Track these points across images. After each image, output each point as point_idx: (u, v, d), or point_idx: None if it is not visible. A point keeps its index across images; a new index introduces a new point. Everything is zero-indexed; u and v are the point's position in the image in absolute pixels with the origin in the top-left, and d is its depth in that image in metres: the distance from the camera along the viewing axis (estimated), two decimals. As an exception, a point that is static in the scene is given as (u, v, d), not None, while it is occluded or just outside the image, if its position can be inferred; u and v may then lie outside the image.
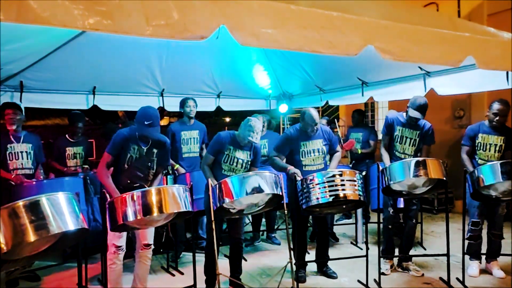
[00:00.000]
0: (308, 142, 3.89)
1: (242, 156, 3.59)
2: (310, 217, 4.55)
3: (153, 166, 3.33)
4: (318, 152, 3.90)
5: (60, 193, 2.41)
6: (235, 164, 3.57)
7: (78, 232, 2.51)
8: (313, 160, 3.90)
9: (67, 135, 4.71)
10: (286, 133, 3.96)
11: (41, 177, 4.13)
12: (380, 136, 5.38)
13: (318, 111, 8.17)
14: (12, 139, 3.97)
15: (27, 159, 4.02)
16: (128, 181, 3.22)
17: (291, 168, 3.70)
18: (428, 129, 4.04)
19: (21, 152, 4.00)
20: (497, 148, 3.91)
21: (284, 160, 3.93)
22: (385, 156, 4.07)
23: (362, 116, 6.06)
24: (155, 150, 3.32)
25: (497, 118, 3.83)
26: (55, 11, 1.73)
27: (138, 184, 3.25)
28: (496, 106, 3.84)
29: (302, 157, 3.88)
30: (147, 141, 3.27)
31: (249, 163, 3.63)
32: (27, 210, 2.22)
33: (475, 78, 4.06)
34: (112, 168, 3.27)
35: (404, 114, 4.05)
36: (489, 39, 3.05)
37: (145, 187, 3.24)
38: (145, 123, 3.10)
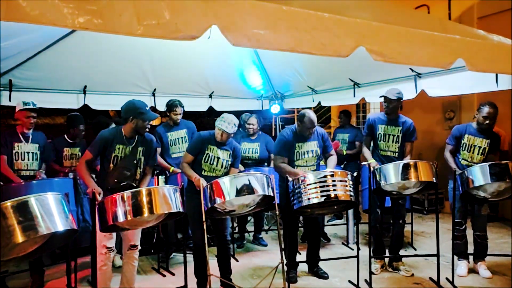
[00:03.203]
0: (303, 143, 3.90)
1: (223, 155, 3.59)
2: (301, 217, 4.55)
3: (140, 165, 3.30)
4: (312, 153, 3.92)
5: (49, 194, 2.39)
6: (215, 163, 3.56)
7: (67, 233, 2.48)
8: (306, 161, 3.91)
9: (66, 136, 4.61)
10: (283, 136, 3.93)
11: (42, 176, 3.98)
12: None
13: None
14: (21, 138, 3.85)
15: (33, 160, 3.91)
16: (116, 180, 3.18)
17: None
18: (409, 125, 4.11)
19: (28, 152, 3.88)
20: (480, 151, 3.96)
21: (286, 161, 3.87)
22: (367, 152, 4.14)
23: (349, 117, 6.20)
24: (140, 148, 3.29)
25: (487, 121, 3.87)
26: (45, 10, 1.71)
27: (125, 183, 3.21)
28: (486, 109, 3.86)
29: (296, 158, 3.89)
30: (133, 139, 3.25)
31: (229, 163, 3.63)
32: (15, 210, 2.20)
33: (465, 80, 4.11)
34: (98, 167, 3.24)
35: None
36: (479, 41, 3.08)
37: (133, 186, 3.23)
38: (147, 108, 3.18)
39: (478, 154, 3.97)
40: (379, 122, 4.12)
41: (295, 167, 3.87)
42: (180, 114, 4.70)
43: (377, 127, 4.12)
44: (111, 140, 3.18)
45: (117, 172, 3.20)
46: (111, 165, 3.18)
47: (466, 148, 4.01)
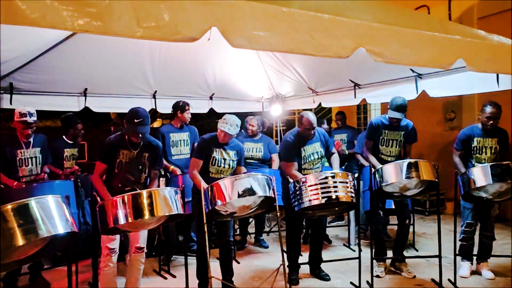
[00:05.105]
0: (307, 146, 3.90)
1: (228, 156, 3.59)
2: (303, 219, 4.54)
3: (144, 170, 3.32)
4: (317, 154, 3.93)
5: (49, 196, 2.38)
6: (222, 165, 3.56)
7: (68, 236, 2.48)
8: (312, 164, 3.91)
9: (64, 137, 4.62)
10: (287, 141, 3.90)
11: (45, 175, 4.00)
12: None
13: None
14: (22, 144, 3.84)
15: (36, 164, 3.92)
16: (120, 185, 3.22)
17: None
18: (412, 128, 4.14)
19: (31, 158, 3.88)
20: (492, 151, 3.94)
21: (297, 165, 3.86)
22: (372, 158, 4.10)
23: (344, 118, 6.27)
24: (146, 154, 3.31)
25: (491, 121, 3.84)
26: (44, 12, 1.71)
27: (129, 188, 3.23)
28: (489, 109, 3.84)
29: (303, 161, 3.88)
30: (137, 144, 3.26)
31: (235, 163, 3.64)
32: (15, 213, 2.19)
33: (466, 81, 4.10)
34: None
35: (387, 116, 4.10)
36: (479, 42, 3.07)
37: (137, 190, 3.23)
38: (135, 121, 3.13)
39: (490, 154, 3.93)
40: (383, 127, 4.11)
41: (303, 170, 3.86)
42: (190, 114, 4.71)
43: (381, 131, 4.11)
44: (116, 146, 3.22)
45: (121, 177, 3.23)
46: (116, 170, 3.22)
47: (478, 151, 3.97)
